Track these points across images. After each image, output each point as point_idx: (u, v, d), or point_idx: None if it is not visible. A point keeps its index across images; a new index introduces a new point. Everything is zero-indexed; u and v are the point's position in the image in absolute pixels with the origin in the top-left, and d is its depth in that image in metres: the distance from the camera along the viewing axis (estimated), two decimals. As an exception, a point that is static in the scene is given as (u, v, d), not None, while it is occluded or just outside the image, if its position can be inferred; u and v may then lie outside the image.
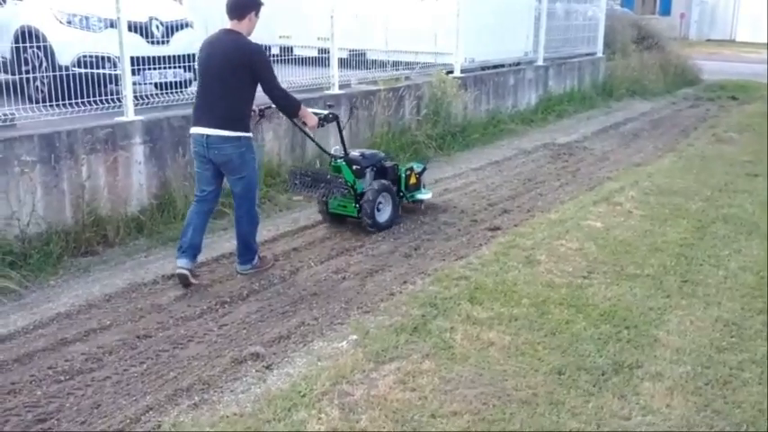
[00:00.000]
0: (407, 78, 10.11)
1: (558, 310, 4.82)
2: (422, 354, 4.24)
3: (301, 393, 3.80)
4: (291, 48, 10.50)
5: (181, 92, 7.47)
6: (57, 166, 5.90)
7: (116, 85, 6.96)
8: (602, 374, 4.03)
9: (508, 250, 5.95)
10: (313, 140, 6.44)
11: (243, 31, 5.13)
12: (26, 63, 7.05)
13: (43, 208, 5.80)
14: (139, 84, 7.17)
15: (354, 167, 6.38)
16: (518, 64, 12.66)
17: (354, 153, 6.55)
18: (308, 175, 6.33)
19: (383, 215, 6.49)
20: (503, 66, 12.28)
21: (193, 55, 7.77)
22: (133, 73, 6.73)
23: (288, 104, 5.37)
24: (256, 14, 5.19)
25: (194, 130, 5.14)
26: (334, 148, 6.46)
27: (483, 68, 11.74)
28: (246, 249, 5.43)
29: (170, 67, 7.42)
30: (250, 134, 5.22)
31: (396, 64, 10.30)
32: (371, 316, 4.78)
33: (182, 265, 5.17)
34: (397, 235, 6.44)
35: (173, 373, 4.05)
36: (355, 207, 6.37)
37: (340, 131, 6.35)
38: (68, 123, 6.17)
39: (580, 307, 4.85)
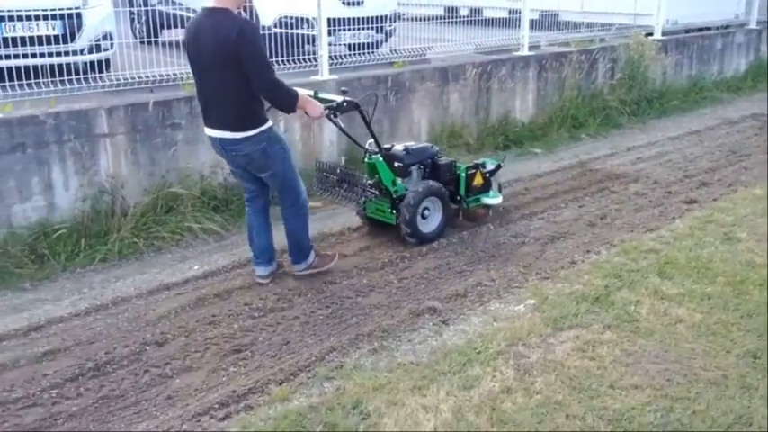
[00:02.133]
0: (602, 40, 9.66)
1: (758, 291, 4.44)
2: (603, 324, 4.10)
3: (476, 350, 3.82)
4: (481, 9, 10.37)
5: (372, 52, 7.66)
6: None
7: (312, 45, 7.28)
8: (807, 364, 3.67)
9: (705, 225, 5.55)
10: (343, 131, 5.15)
11: (230, 5, 4.13)
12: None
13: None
14: (333, 44, 7.44)
15: (396, 165, 5.28)
16: (726, 27, 11.63)
17: (397, 147, 5.40)
18: (333, 172, 5.31)
19: (429, 224, 5.33)
20: (709, 29, 11.34)
21: (385, 16, 7.98)
22: (328, 34, 6.99)
23: (280, 99, 4.28)
24: None
25: (206, 131, 4.44)
26: (369, 141, 5.27)
27: (687, 31, 10.92)
28: (298, 247, 4.74)
29: (362, 29, 7.63)
30: (267, 125, 4.33)
31: (590, 25, 9.86)
32: (551, 282, 4.68)
33: (260, 274, 4.73)
34: (582, 203, 6.23)
35: (355, 318, 4.24)
36: (392, 213, 5.26)
37: (366, 123, 5.11)
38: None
39: (785, 290, 4.44)
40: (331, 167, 5.33)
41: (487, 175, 5.69)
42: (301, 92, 4.47)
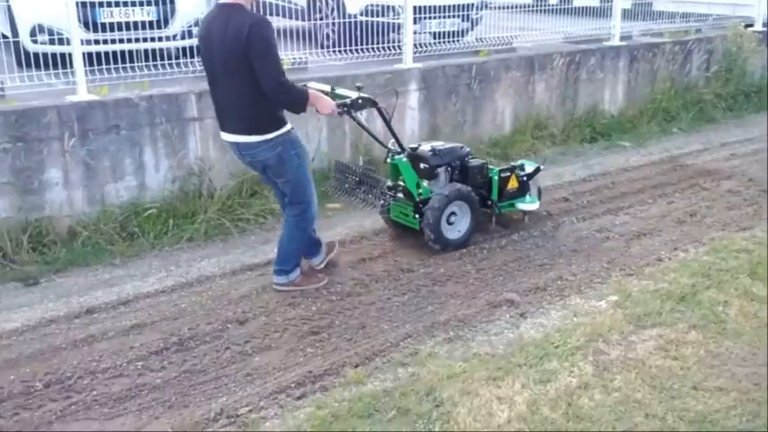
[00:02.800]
0: (698, 31, 9.27)
1: None
2: (688, 324, 3.95)
3: (554, 345, 3.75)
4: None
5: (457, 41, 7.60)
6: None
7: (396, 33, 7.29)
8: None
9: (803, 225, 5.27)
10: (366, 129, 4.91)
11: (243, 0, 3.93)
12: (319, 11, 7.65)
13: (327, 146, 6.31)
14: (418, 33, 7.42)
15: (422, 166, 5.00)
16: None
17: (423, 147, 5.08)
18: (352, 173, 4.96)
19: (456, 230, 4.98)
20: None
21: (471, 4, 7.90)
22: (413, 22, 6.97)
23: (287, 101, 4.01)
24: None
25: (222, 136, 4.26)
26: (391, 141, 4.93)
27: (791, 22, 10.35)
28: (285, 259, 4.41)
29: (448, 17, 7.57)
30: (285, 128, 4.10)
31: (685, 16, 9.48)
32: (635, 279, 4.54)
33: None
34: (671, 199, 6.01)
35: (431, 306, 4.23)
36: (415, 217, 4.95)
37: (386, 121, 4.81)
38: (353, 68, 6.62)
39: None
40: (350, 168, 4.99)
41: (524, 178, 5.33)
42: (317, 86, 4.41)
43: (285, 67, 6.07)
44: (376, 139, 5.05)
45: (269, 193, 5.68)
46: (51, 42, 5.99)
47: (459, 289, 4.46)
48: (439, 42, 7.41)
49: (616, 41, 8.36)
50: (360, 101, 4.44)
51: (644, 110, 8.34)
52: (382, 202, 4.78)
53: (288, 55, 6.46)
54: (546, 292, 4.41)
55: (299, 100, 4.00)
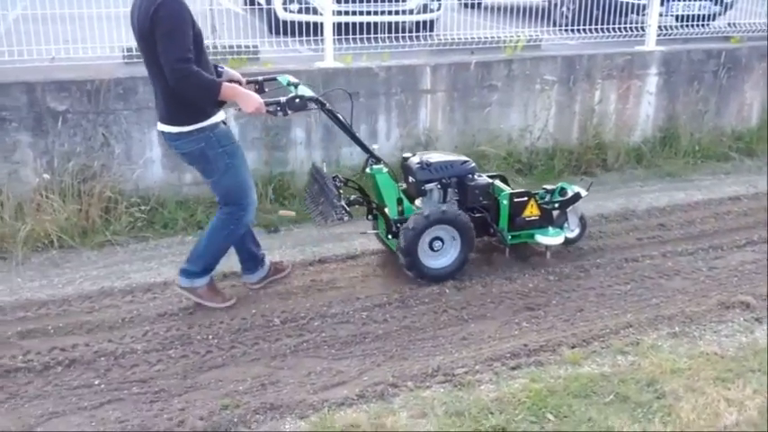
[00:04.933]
0: None
1: None
2: None
3: (795, 356, 3.44)
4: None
5: (704, 25, 7.09)
6: (573, 87, 6.24)
7: (637, 14, 6.96)
8: None
9: None
10: (349, 132, 4.09)
11: None
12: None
13: (553, 125, 6.22)
14: (663, 15, 7.03)
15: (409, 180, 4.34)
16: None
17: (413, 159, 4.35)
18: (317, 180, 4.26)
19: (442, 258, 4.21)
20: None
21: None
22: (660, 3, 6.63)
23: (188, 89, 3.38)
24: None
25: None
26: (374, 146, 4.33)
27: None
28: (194, 258, 3.87)
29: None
30: (208, 122, 3.57)
31: None
32: None
33: (249, 281, 4.17)
34: None
35: (656, 299, 4.05)
36: (388, 237, 4.29)
37: (342, 125, 4.04)
38: (589, 48, 6.44)
39: None
40: (318, 173, 4.26)
41: (554, 205, 4.48)
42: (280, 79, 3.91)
43: (519, 44, 6.16)
44: (360, 145, 4.18)
45: (489, 168, 5.73)
46: (300, 12, 6.48)
47: (687, 285, 4.22)
48: (684, 25, 6.97)
49: None
50: (297, 100, 3.66)
51: None
52: (334, 217, 3.91)
53: (520, 33, 6.43)
54: (787, 300, 4.05)
55: (203, 91, 3.40)
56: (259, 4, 6.75)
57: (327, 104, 3.86)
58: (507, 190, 4.38)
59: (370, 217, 4.44)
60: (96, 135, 4.94)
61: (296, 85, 3.92)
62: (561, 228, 4.49)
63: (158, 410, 3.07)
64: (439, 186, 4.29)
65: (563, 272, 4.39)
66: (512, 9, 7.21)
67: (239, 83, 3.84)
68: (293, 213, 4.93)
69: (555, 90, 6.19)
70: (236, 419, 3.01)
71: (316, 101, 3.76)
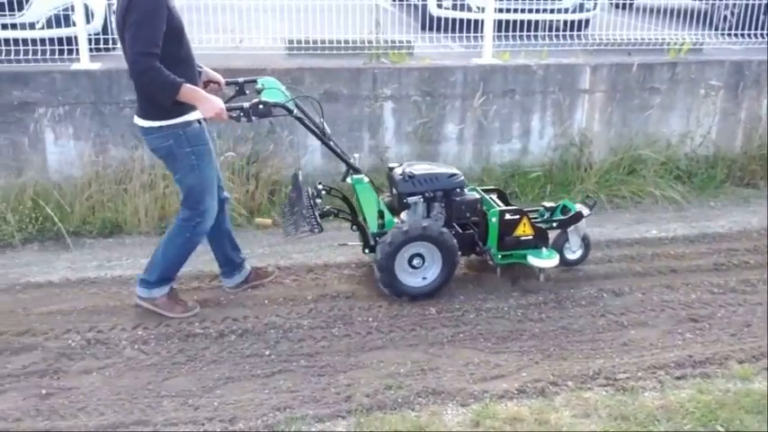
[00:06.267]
0: None
1: None
2: None
3: None
4: None
5: None
6: (740, 94, 5.95)
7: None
8: None
9: None
10: (322, 140, 3.89)
11: None
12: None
13: (716, 132, 5.96)
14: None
15: (393, 191, 4.14)
16: None
17: (397, 170, 4.09)
18: (295, 191, 4.10)
19: (420, 277, 3.97)
20: None
21: None
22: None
23: (150, 88, 3.29)
24: None
25: None
26: (355, 155, 4.09)
27: None
28: (151, 267, 3.76)
29: None
30: (180, 119, 3.44)
31: None
32: None
33: (227, 285, 4.08)
34: None
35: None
36: (365, 252, 4.14)
37: (314, 133, 3.84)
38: (754, 54, 6.13)
39: None
40: (295, 184, 4.13)
41: (550, 224, 4.20)
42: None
43: (685, 47, 5.92)
44: (338, 155, 3.95)
45: (647, 173, 5.58)
46: (454, 8, 6.55)
47: None
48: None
49: None
50: (261, 106, 3.47)
51: None
52: (305, 228, 3.70)
53: (681, 35, 6.20)
54: None
55: (160, 89, 3.27)
56: (408, 0, 6.89)
57: (295, 111, 3.68)
58: (498, 207, 4.13)
59: (354, 228, 4.23)
60: (263, 122, 5.21)
61: (260, 91, 3.76)
62: (560, 249, 4.23)
63: (326, 384, 3.22)
64: (423, 200, 4.06)
65: (728, 284, 4.23)
66: (666, 11, 6.96)
67: (218, 84, 3.83)
68: (269, 222, 4.75)
69: (720, 96, 5.92)
70: (400, 400, 3.11)
71: (282, 106, 3.60)
